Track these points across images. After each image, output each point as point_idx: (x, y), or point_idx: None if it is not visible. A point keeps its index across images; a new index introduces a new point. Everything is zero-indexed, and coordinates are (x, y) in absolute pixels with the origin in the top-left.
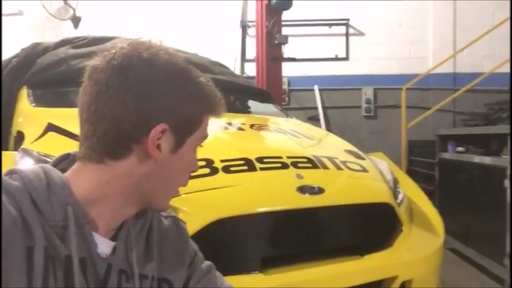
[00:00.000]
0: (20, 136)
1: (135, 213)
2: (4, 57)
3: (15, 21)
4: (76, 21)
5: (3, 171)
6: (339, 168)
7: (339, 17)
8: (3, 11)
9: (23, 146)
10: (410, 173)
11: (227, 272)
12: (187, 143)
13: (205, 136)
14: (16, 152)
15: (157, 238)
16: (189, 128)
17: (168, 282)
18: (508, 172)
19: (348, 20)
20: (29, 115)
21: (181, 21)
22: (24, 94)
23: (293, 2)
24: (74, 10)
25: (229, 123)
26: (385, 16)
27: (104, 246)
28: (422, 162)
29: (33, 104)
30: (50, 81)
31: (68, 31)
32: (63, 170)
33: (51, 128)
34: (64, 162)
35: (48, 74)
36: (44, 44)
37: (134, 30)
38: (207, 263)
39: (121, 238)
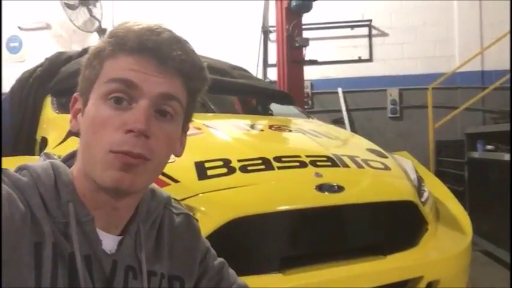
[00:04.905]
0: (44, 142)
1: (121, 201)
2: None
3: (43, 35)
4: (102, 33)
5: None
6: (360, 166)
7: (361, 18)
8: (32, 26)
9: (45, 151)
10: (439, 173)
11: (245, 271)
12: (91, 99)
13: (112, 79)
14: (38, 157)
15: (168, 235)
16: (88, 84)
17: (179, 280)
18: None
19: (370, 21)
20: (52, 122)
21: (204, 27)
22: (48, 102)
23: (314, 4)
24: (100, 22)
25: (248, 124)
26: (408, 15)
27: (109, 242)
28: (451, 162)
29: (57, 111)
30: (73, 89)
31: (94, 43)
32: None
33: (72, 132)
34: (73, 158)
35: (71, 82)
36: (68, 53)
37: None
38: (219, 260)
39: (130, 233)
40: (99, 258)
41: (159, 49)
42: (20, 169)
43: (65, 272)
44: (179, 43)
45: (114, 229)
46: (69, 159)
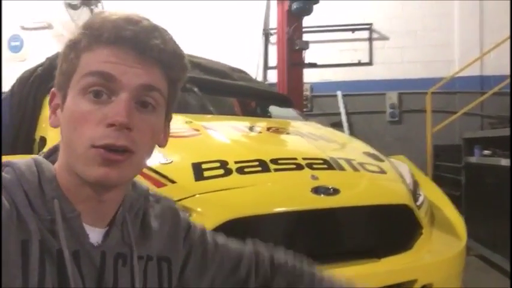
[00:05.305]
0: (43, 141)
1: (105, 195)
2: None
3: (44, 34)
4: None
5: None
6: (355, 169)
7: (362, 21)
8: (33, 25)
9: (44, 150)
10: (437, 178)
11: None
12: (69, 93)
13: (90, 73)
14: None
15: (151, 221)
16: (66, 78)
17: (167, 261)
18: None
19: (371, 24)
20: None
21: (205, 29)
22: (48, 101)
23: (315, 7)
24: None
25: (246, 126)
26: (408, 20)
27: (96, 235)
28: (448, 167)
29: None
30: None
31: None
32: (55, 161)
33: None
34: (55, 154)
35: None
36: None
37: None
38: (200, 229)
39: (116, 224)
40: (87, 252)
41: (137, 39)
42: (3, 166)
43: (53, 269)
44: (157, 31)
45: (101, 223)
46: (52, 154)
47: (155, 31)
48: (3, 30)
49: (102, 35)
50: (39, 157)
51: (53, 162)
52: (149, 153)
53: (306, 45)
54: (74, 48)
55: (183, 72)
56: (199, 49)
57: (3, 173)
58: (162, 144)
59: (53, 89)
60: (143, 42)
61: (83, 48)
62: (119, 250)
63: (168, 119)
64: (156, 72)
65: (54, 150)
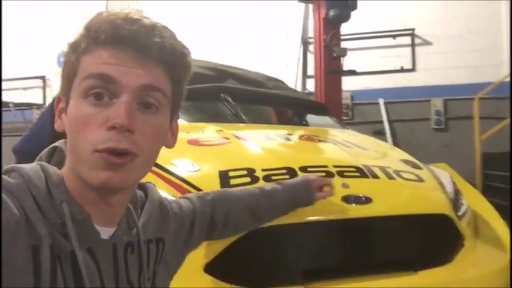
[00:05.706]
0: None
1: (111, 198)
2: None
3: None
4: None
5: None
6: (390, 177)
7: (404, 27)
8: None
9: None
10: (486, 187)
11: (267, 283)
12: (72, 97)
13: (89, 75)
14: None
15: (145, 207)
16: (68, 81)
17: (161, 241)
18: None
19: (413, 29)
20: None
21: (244, 38)
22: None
23: (355, 14)
24: None
25: (277, 134)
26: (452, 23)
27: (106, 233)
28: (498, 176)
29: None
30: None
31: None
32: (57, 163)
33: None
34: (55, 156)
35: None
36: None
37: (195, 48)
38: (179, 202)
39: (123, 217)
40: (101, 247)
41: (135, 38)
42: (8, 171)
43: (68, 270)
44: (156, 30)
45: (111, 224)
46: (52, 156)
47: (154, 29)
48: (55, 47)
49: (99, 36)
50: (44, 163)
51: (56, 164)
52: (155, 154)
53: (344, 52)
54: (75, 51)
55: (186, 71)
56: (239, 58)
57: (9, 178)
58: (170, 145)
59: (59, 97)
60: (142, 41)
61: (82, 51)
62: (128, 239)
63: (174, 119)
64: (157, 71)
65: (53, 150)
